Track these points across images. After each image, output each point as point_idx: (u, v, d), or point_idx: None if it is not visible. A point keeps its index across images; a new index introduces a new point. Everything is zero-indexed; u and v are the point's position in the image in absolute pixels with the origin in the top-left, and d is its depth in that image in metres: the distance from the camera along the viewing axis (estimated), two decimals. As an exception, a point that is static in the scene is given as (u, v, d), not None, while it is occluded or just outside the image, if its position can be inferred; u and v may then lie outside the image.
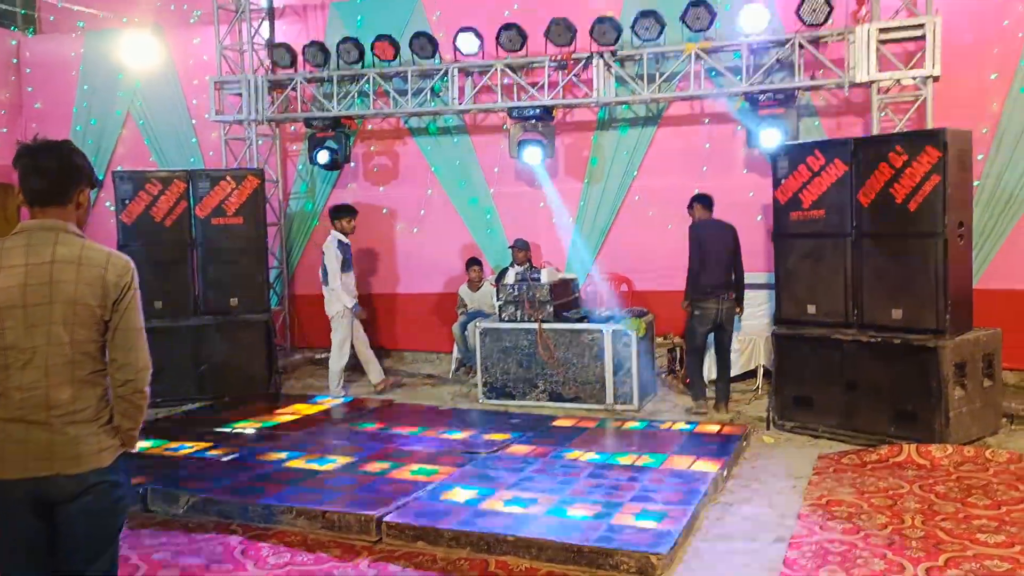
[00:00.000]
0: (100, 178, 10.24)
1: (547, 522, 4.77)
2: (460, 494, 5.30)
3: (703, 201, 7.76)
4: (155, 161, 10.99)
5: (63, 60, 11.32)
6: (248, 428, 7.27)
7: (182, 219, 8.78)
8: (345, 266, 8.61)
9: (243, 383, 8.77)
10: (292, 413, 7.90)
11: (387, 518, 4.88)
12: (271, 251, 10.11)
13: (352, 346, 8.77)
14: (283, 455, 6.34)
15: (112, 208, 9.02)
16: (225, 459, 6.24)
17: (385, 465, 6.02)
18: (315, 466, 6.03)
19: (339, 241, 8.63)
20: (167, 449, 6.57)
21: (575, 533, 4.58)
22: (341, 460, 6.17)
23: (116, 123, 11.24)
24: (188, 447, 6.62)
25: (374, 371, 9.01)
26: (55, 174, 2.74)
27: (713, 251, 7.54)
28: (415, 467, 5.95)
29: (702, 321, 7.55)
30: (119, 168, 9.81)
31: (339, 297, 8.54)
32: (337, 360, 8.71)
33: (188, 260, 8.82)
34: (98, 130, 11.25)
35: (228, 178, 8.94)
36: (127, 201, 8.63)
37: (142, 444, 4.83)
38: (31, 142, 2.76)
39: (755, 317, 8.52)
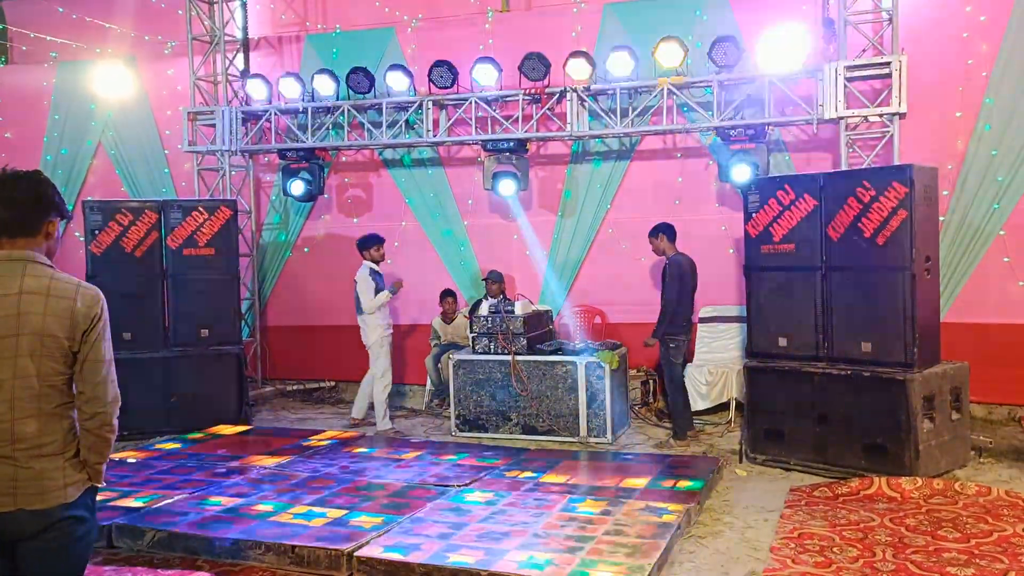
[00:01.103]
0: (70, 208, 10.14)
1: (519, 557, 4.73)
2: (432, 528, 5.25)
3: (669, 233, 7.76)
4: (126, 191, 10.96)
5: (34, 90, 11.26)
6: (217, 462, 7.17)
7: (153, 250, 8.70)
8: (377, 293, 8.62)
9: (213, 415, 8.67)
10: (262, 446, 7.80)
11: (358, 552, 4.82)
12: (243, 282, 10.05)
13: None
14: (252, 489, 6.25)
15: (81, 238, 8.93)
16: (192, 493, 6.15)
17: (356, 499, 5.95)
18: (285, 500, 5.94)
19: (371, 269, 8.66)
20: (132, 484, 6.46)
21: (548, 567, 4.55)
22: (312, 494, 6.09)
23: (87, 153, 11.20)
24: (156, 482, 6.52)
25: (359, 408, 8.94)
26: (24, 205, 2.71)
27: (690, 285, 7.59)
28: (386, 501, 5.90)
29: (677, 353, 7.59)
30: (89, 198, 9.73)
31: (375, 321, 8.53)
32: (381, 391, 8.63)
33: (159, 291, 8.72)
34: (69, 160, 11.19)
35: (200, 209, 8.89)
36: (97, 231, 8.54)
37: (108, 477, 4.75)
38: (-1, 172, 2.74)
39: (727, 350, 8.57)
